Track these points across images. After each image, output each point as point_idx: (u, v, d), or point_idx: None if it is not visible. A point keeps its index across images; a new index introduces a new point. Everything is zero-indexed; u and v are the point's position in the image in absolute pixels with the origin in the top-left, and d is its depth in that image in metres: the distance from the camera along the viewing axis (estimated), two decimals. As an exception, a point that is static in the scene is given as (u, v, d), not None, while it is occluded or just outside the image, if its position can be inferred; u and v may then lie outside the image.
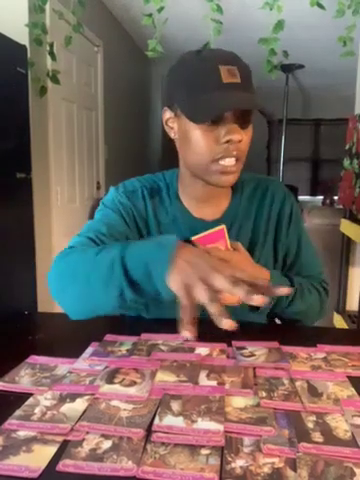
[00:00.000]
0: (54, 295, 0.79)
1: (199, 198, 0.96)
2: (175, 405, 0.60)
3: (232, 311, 0.94)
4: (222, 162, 0.83)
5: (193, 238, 0.81)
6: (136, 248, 0.69)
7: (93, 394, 0.63)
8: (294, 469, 0.48)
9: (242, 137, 0.81)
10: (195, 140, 0.82)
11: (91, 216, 1.03)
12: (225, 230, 0.82)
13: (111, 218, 0.92)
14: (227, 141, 0.80)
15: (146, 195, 0.96)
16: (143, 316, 0.99)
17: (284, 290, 0.66)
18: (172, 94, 0.86)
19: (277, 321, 1.05)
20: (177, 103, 0.84)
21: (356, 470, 0.48)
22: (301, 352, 0.78)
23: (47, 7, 2.30)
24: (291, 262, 1.02)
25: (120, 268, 0.66)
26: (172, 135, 0.89)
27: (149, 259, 0.65)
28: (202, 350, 0.77)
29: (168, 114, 0.88)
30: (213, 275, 0.59)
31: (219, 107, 0.78)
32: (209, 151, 0.82)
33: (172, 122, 0.88)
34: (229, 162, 0.83)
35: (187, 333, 0.59)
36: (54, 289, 0.79)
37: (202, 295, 0.59)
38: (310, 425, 0.56)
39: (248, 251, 0.89)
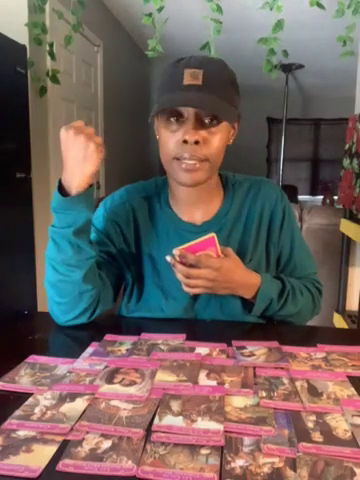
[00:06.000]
0: (54, 315, 0.91)
1: (187, 201, 0.97)
2: (175, 405, 0.60)
3: (230, 312, 0.95)
4: (183, 164, 0.85)
5: (183, 246, 0.81)
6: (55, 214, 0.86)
7: (93, 394, 0.63)
8: (294, 469, 0.48)
9: (199, 138, 0.82)
10: (162, 139, 0.87)
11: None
12: (216, 238, 0.82)
13: (97, 241, 0.97)
14: (184, 141, 0.83)
15: (134, 206, 1.00)
16: (124, 315, 1.01)
17: None
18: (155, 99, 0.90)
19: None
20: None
21: (356, 470, 0.48)
22: (301, 352, 0.78)
23: (47, 7, 2.30)
24: (284, 263, 1.02)
25: (57, 230, 0.84)
26: (158, 138, 0.92)
27: (59, 206, 0.83)
28: (202, 350, 0.77)
29: (155, 119, 0.91)
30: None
31: (165, 105, 0.82)
32: (170, 150, 0.86)
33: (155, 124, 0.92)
34: (188, 162, 0.85)
35: None
36: (52, 308, 0.91)
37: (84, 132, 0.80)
38: (310, 425, 0.56)
39: (239, 254, 0.89)
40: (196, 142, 0.82)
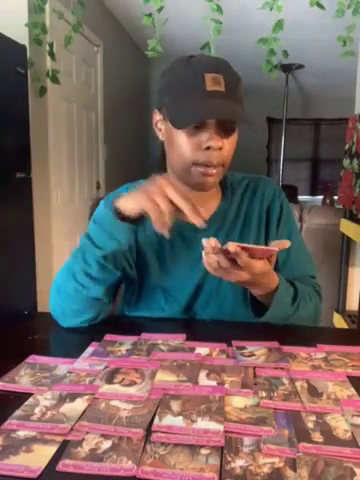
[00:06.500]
0: (58, 315, 0.91)
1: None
2: (175, 405, 0.60)
3: (229, 312, 0.95)
4: (202, 168, 0.85)
5: (241, 245, 0.73)
6: (93, 225, 0.86)
7: (93, 394, 0.63)
8: (294, 469, 0.48)
9: (222, 144, 0.83)
10: (178, 144, 0.85)
11: (90, 216, 1.04)
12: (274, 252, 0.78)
13: None
14: (207, 148, 0.82)
15: None
16: (127, 314, 1.01)
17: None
18: (160, 98, 0.89)
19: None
20: (164, 107, 0.87)
21: (356, 470, 0.48)
22: (301, 352, 0.78)
23: (47, 7, 2.30)
24: (282, 262, 0.99)
25: (88, 242, 0.83)
26: (160, 137, 0.92)
27: (100, 221, 0.84)
28: (202, 350, 0.77)
29: (157, 116, 0.91)
30: (165, 188, 0.74)
31: (199, 115, 0.80)
32: (190, 155, 0.84)
33: (160, 124, 0.91)
34: (209, 167, 0.85)
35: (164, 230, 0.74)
36: (55, 306, 0.91)
37: (162, 200, 0.73)
38: (310, 425, 0.56)
39: None
40: (219, 148, 0.83)
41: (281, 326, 1.01)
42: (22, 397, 0.62)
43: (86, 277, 0.85)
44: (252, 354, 0.76)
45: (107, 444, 0.52)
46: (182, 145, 0.84)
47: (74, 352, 0.76)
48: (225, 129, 0.83)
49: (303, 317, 0.93)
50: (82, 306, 0.88)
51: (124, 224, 0.80)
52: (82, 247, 0.85)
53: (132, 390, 0.64)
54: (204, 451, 0.51)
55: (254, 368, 0.71)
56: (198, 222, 0.73)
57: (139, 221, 0.82)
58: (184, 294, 0.95)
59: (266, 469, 0.48)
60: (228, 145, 0.85)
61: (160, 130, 0.91)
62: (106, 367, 0.71)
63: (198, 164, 0.85)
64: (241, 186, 1.01)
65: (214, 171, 0.85)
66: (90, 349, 0.78)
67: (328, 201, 4.80)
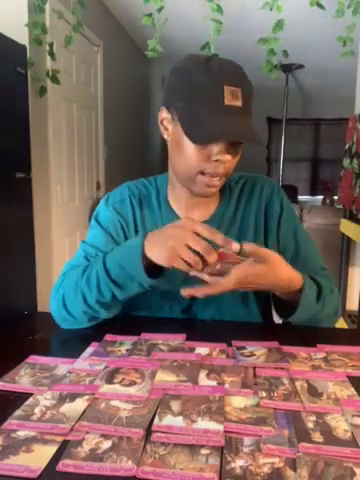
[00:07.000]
0: (59, 321, 0.91)
1: (187, 201, 0.97)
2: (175, 405, 0.60)
3: (229, 313, 0.95)
4: (207, 178, 0.86)
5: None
6: (112, 255, 0.84)
7: (93, 394, 0.63)
8: (294, 469, 0.48)
9: (232, 158, 0.84)
10: (186, 151, 0.84)
11: (90, 217, 1.04)
12: (223, 251, 0.75)
13: (99, 239, 0.97)
14: (216, 160, 0.83)
15: (135, 203, 0.99)
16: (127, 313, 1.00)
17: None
18: (172, 98, 0.86)
19: (276, 321, 1.04)
20: (176, 110, 0.85)
21: (356, 470, 0.48)
22: (301, 352, 0.78)
23: (47, 7, 2.30)
24: (292, 258, 0.96)
25: (105, 275, 0.81)
26: (165, 136, 0.91)
27: (122, 260, 0.80)
28: (202, 350, 0.77)
29: (165, 114, 0.88)
30: (190, 240, 0.72)
31: (216, 134, 0.80)
32: (197, 165, 0.84)
33: (167, 123, 0.89)
34: (215, 178, 0.86)
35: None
36: (57, 316, 0.91)
37: (187, 255, 0.71)
38: (310, 425, 0.56)
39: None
40: (227, 162, 0.84)
41: (281, 326, 1.01)
42: (22, 397, 0.62)
43: (98, 305, 0.85)
44: (252, 354, 0.76)
45: (107, 444, 0.52)
46: (190, 154, 0.84)
47: (74, 352, 0.76)
48: (236, 144, 0.84)
49: (327, 314, 0.91)
50: (86, 320, 0.89)
51: (149, 278, 0.78)
52: (97, 277, 0.82)
53: (132, 390, 0.64)
54: (204, 451, 0.51)
55: (254, 368, 0.71)
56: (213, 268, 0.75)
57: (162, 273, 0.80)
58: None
59: (266, 469, 0.48)
60: (237, 156, 0.86)
61: (166, 129, 0.89)
62: (106, 367, 0.71)
63: (203, 174, 0.85)
64: (238, 186, 1.01)
65: (218, 181, 0.87)
66: (90, 349, 0.78)
67: (328, 201, 4.80)
